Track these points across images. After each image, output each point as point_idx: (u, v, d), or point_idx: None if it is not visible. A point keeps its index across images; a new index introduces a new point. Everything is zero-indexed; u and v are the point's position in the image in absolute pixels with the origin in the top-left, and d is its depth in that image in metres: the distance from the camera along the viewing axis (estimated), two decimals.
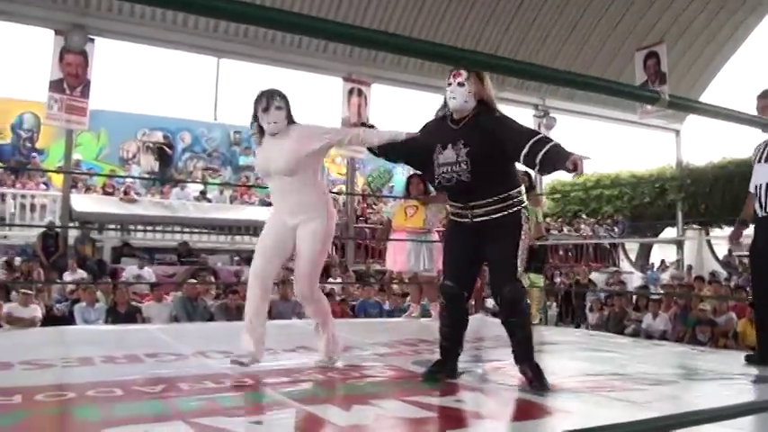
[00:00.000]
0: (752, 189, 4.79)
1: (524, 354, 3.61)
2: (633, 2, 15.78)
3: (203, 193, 16.62)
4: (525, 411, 3.13)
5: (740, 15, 17.18)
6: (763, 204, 4.64)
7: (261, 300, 4.00)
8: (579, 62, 16.56)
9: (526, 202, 3.80)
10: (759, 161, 4.77)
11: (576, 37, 16.27)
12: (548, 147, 3.47)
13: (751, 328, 9.33)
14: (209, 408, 2.89)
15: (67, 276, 10.61)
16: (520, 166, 3.78)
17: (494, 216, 3.68)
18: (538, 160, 3.46)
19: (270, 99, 3.97)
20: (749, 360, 4.65)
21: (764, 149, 4.75)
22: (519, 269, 3.66)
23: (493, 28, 15.36)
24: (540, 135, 3.66)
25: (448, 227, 4.11)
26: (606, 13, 16.01)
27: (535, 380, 3.48)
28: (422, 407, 2.97)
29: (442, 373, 3.74)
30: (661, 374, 4.06)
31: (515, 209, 3.69)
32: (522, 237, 3.67)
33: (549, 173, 3.73)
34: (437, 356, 3.90)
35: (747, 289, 12.11)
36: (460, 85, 3.69)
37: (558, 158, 3.43)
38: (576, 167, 3.36)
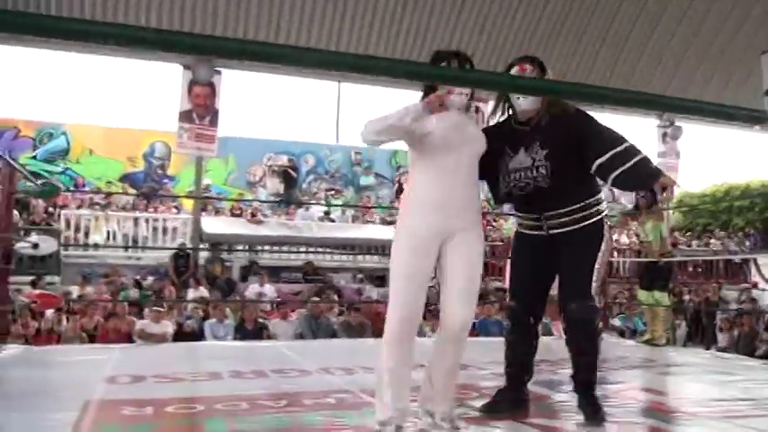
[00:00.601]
0: None
1: (586, 382, 3.29)
2: (754, 6, 15.05)
3: (327, 213, 16.96)
4: None
5: None
6: None
7: (411, 350, 3.12)
8: (703, 68, 15.96)
9: (608, 211, 3.43)
10: None
11: (698, 42, 15.69)
12: (635, 160, 3.07)
13: None
14: (330, 423, 2.95)
15: (191, 294, 11.05)
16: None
17: (573, 227, 3.27)
18: (616, 174, 3.09)
19: (464, 65, 3.15)
20: None
21: None
22: (595, 284, 3.24)
23: (607, 50, 15.00)
24: (627, 144, 3.17)
25: (516, 240, 3.66)
26: (726, 21, 15.37)
27: (592, 414, 3.17)
28: (538, 428, 2.94)
29: (504, 403, 3.39)
30: None
31: (596, 218, 3.29)
32: (603, 249, 3.28)
33: (626, 190, 3.41)
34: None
35: None
36: None
37: (645, 176, 3.10)
38: (665, 190, 3.05)
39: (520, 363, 3.50)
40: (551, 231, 3.32)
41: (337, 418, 3.09)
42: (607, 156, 3.12)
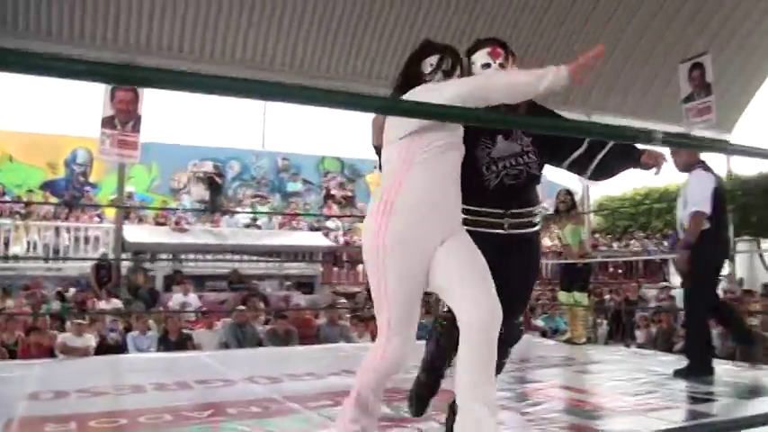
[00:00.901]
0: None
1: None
2: (676, 15, 15.66)
3: (254, 220, 16.89)
4: None
5: None
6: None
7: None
8: (623, 78, 16.49)
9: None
10: None
11: (619, 53, 16.19)
12: (610, 145, 2.96)
13: None
14: None
15: (104, 305, 10.72)
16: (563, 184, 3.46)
17: (528, 230, 3.07)
18: (598, 160, 2.98)
19: (456, 64, 2.91)
20: (677, 374, 4.68)
21: None
22: None
23: (531, 57, 15.37)
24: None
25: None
26: (648, 28, 15.91)
27: None
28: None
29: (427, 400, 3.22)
30: (697, 391, 4.06)
31: (539, 227, 3.15)
32: None
33: (609, 176, 3.11)
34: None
35: None
36: (502, 66, 3.02)
37: (628, 154, 2.95)
38: (656, 162, 2.91)
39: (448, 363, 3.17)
40: (511, 231, 3.03)
41: (262, 427, 3.12)
42: (584, 146, 3.02)
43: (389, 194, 2.61)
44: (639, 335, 11.98)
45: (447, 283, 2.58)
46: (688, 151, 4.82)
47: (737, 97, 18.10)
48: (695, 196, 4.82)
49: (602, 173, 3.07)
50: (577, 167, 3.10)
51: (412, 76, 2.83)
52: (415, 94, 2.66)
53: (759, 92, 18.96)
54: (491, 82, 2.62)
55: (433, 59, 2.83)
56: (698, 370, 4.64)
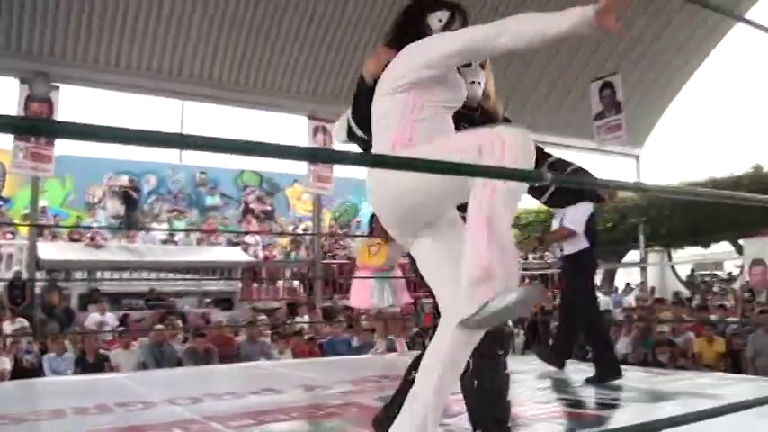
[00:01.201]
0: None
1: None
2: (586, 37, 16.18)
3: (171, 235, 16.70)
4: None
5: (692, 44, 17.74)
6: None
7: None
8: (536, 95, 17.00)
9: None
10: None
11: (533, 71, 16.67)
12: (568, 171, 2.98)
13: (707, 346, 9.65)
14: None
15: (6, 326, 10.40)
16: None
17: None
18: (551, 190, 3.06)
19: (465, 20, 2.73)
20: (589, 381, 4.96)
21: None
22: None
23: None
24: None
25: None
26: (561, 47, 16.44)
27: None
28: None
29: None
30: (606, 398, 4.26)
31: None
32: None
33: (565, 205, 3.21)
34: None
35: (706, 306, 12.49)
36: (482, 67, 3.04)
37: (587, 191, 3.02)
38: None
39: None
40: None
41: None
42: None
43: (398, 151, 2.35)
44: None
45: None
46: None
47: (647, 115, 18.87)
48: (573, 217, 5.23)
49: (556, 202, 3.20)
50: (535, 192, 3.25)
51: (413, 29, 2.56)
52: (420, 46, 2.43)
53: (669, 109, 19.80)
54: (506, 26, 2.26)
55: (443, 15, 2.59)
56: (607, 376, 4.91)
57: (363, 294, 7.42)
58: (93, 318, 11.61)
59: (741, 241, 19.41)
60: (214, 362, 8.39)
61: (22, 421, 3.95)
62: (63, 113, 12.21)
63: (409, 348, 8.06)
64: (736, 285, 18.52)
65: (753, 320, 10.21)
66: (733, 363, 9.49)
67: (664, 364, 8.89)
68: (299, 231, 19.44)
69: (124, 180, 20.30)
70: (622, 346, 10.47)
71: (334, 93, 14.85)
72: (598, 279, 23.20)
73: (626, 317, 12.52)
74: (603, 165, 21.68)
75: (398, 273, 7.63)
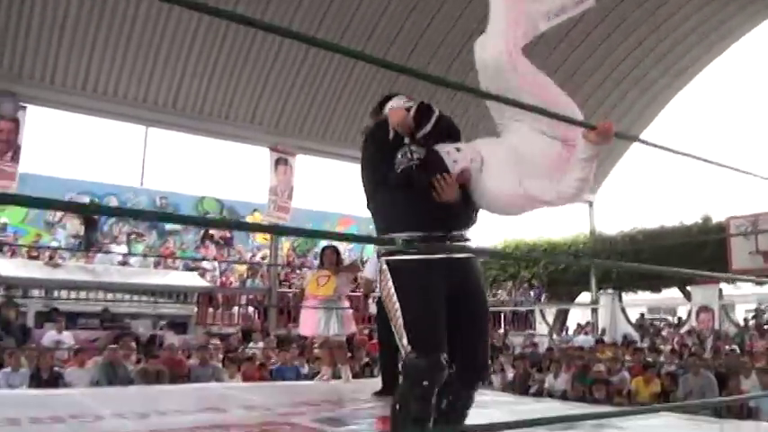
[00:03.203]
0: None
1: None
2: (568, 56, 16.51)
3: (126, 257, 16.84)
4: None
5: (647, 97, 18.40)
6: None
7: None
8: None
9: None
10: None
11: (485, 111, 17.15)
12: None
13: (644, 386, 10.13)
14: None
15: None
16: None
17: (470, 256, 3.21)
18: None
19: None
20: (378, 394, 5.81)
21: None
22: None
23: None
24: None
25: (412, 266, 3.04)
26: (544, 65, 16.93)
27: None
28: None
29: None
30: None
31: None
32: None
33: None
34: (335, 414, 4.37)
35: (644, 349, 13.01)
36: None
37: None
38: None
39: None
40: (458, 256, 3.13)
41: None
42: None
43: None
44: (495, 379, 12.71)
45: None
46: None
47: (601, 163, 19.42)
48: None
49: None
50: None
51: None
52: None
53: (623, 157, 20.46)
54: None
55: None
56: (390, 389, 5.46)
57: (311, 322, 7.76)
58: (50, 336, 11.78)
59: (689, 288, 20.07)
60: (165, 383, 8.64)
61: None
62: (29, 133, 12.44)
63: (355, 377, 8.42)
64: (683, 330, 19.10)
65: (684, 364, 10.74)
66: (666, 401, 9.96)
67: (599, 401, 9.32)
68: (257, 259, 19.69)
69: (85, 200, 20.42)
70: (562, 382, 10.92)
71: (297, 126, 15.24)
72: (551, 318, 23.82)
73: (566, 355, 12.94)
74: (557, 209, 22.26)
75: (345, 303, 7.99)
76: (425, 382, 2.87)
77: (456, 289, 3.08)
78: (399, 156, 3.19)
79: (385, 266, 3.06)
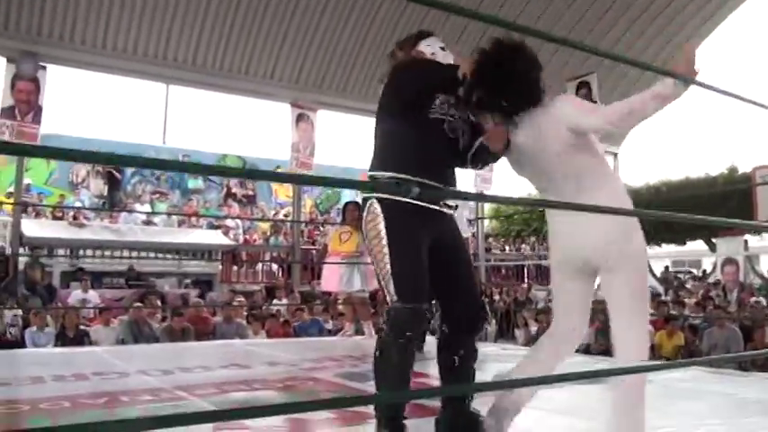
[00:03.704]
0: None
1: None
2: (568, 35, 16.44)
3: (150, 216, 16.92)
4: None
5: (668, 50, 18.05)
6: None
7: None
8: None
9: None
10: None
11: None
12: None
13: (667, 339, 10.05)
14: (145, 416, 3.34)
15: None
16: None
17: (452, 211, 3.12)
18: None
19: None
20: None
21: None
22: None
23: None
24: None
25: (403, 213, 2.91)
26: (542, 47, 16.72)
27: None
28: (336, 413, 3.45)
29: None
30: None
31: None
32: None
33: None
34: (358, 369, 4.35)
35: (667, 302, 12.92)
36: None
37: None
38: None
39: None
40: (445, 209, 3.07)
41: (151, 412, 3.47)
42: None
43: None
44: (518, 334, 12.72)
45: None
46: None
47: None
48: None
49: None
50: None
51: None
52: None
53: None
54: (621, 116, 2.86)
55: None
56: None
57: (333, 279, 7.73)
58: (75, 295, 11.89)
59: (714, 240, 19.86)
60: (190, 340, 8.71)
61: (3, 385, 4.25)
62: (50, 93, 12.41)
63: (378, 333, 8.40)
64: (708, 282, 18.96)
65: (708, 316, 10.64)
66: (690, 355, 9.88)
67: None
68: (280, 217, 19.72)
69: None
70: (585, 336, 10.84)
71: (318, 81, 15.10)
72: None
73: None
74: None
75: (368, 259, 7.93)
76: (409, 333, 2.85)
77: (439, 240, 3.04)
78: (438, 102, 3.05)
79: (377, 207, 2.96)
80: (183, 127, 23.12)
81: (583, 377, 2.72)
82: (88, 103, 27.98)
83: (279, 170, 21.57)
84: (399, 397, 2.95)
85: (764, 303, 12.94)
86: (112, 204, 19.71)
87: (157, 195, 20.77)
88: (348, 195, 22.04)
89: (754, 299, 13.20)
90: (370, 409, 3.16)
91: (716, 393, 3.54)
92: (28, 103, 11.77)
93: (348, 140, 21.42)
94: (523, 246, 22.15)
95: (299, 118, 14.82)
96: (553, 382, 2.49)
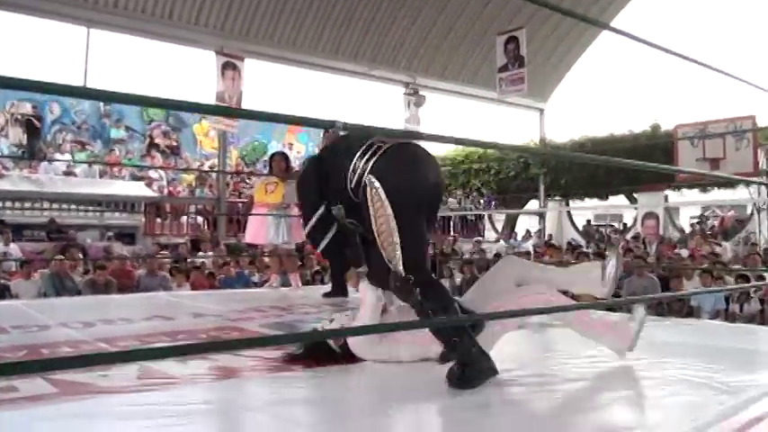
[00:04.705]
0: None
1: None
2: None
3: (73, 167, 16.51)
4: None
5: (599, 5, 18.27)
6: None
7: None
8: (446, 45, 17.35)
9: None
10: None
11: (443, 21, 16.96)
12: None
13: None
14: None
15: None
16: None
17: None
18: None
19: None
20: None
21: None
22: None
23: (353, 31, 15.87)
24: None
25: (405, 191, 3.08)
26: (468, 4, 16.76)
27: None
28: (254, 358, 3.48)
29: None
30: None
31: None
32: None
33: None
34: (284, 320, 4.46)
35: (589, 253, 13.30)
36: None
37: None
38: None
39: None
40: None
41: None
42: None
43: None
44: (445, 284, 12.90)
45: None
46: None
47: (553, 70, 19.43)
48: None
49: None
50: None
51: None
52: None
53: (575, 65, 20.46)
54: None
55: None
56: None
57: (260, 231, 7.71)
58: None
59: (636, 194, 20.42)
60: (113, 293, 8.61)
61: None
62: None
63: (306, 285, 8.45)
64: (629, 236, 19.52)
65: (628, 266, 10.99)
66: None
67: None
68: (205, 168, 19.48)
69: (27, 107, 19.86)
70: None
71: (244, 29, 14.84)
72: (500, 225, 24.18)
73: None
74: (509, 116, 22.32)
75: (294, 211, 7.92)
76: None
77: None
78: None
79: (378, 185, 3.00)
80: (106, 74, 22.43)
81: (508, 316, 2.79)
82: (8, 46, 26.83)
83: (203, 121, 21.33)
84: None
85: (684, 255, 13.43)
86: (32, 154, 19.14)
87: (78, 145, 20.23)
88: (274, 147, 21.92)
89: (675, 251, 13.70)
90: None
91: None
92: None
93: (275, 91, 21.09)
94: (450, 199, 22.40)
95: (226, 66, 14.56)
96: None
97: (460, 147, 23.65)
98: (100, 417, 2.61)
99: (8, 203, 14.03)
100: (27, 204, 14.14)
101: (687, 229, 20.57)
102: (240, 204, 16.57)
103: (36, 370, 2.35)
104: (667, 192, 19.18)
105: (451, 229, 21.03)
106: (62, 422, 2.51)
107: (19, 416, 2.54)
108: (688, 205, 23.40)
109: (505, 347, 3.28)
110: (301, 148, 24.18)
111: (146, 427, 2.40)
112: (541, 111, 21.60)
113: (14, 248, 11.80)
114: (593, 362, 3.37)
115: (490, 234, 23.22)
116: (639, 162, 3.33)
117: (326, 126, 2.02)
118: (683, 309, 9.66)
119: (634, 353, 3.35)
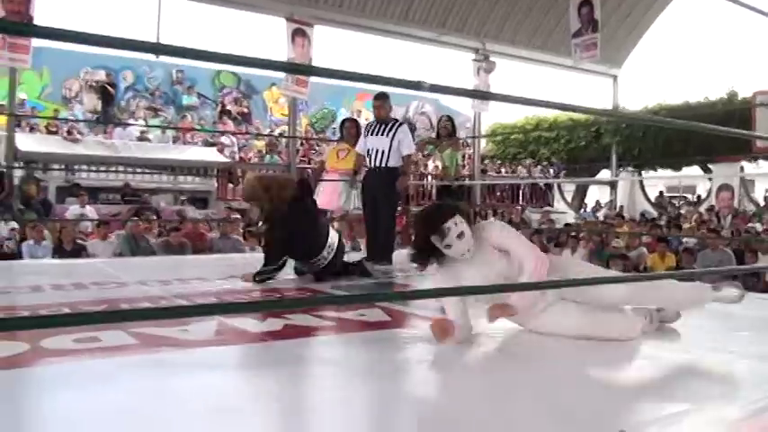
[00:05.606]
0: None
1: None
2: None
3: (143, 132, 16.77)
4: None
5: None
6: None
7: None
8: (517, 9, 17.04)
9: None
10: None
11: None
12: None
13: (659, 260, 10.15)
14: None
15: None
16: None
17: None
18: None
19: None
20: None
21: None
22: None
23: None
24: None
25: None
26: None
27: None
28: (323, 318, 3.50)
29: None
30: None
31: None
32: None
33: None
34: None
35: (662, 225, 13.00)
36: None
37: None
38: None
39: None
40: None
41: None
42: None
43: None
44: None
45: None
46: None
47: (627, 36, 18.91)
48: (410, 143, 6.04)
49: None
50: None
51: None
52: None
53: (648, 32, 19.88)
54: None
55: None
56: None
57: (331, 196, 7.71)
58: (73, 210, 11.89)
59: (711, 165, 19.84)
60: (187, 255, 8.74)
61: (1, 293, 4.28)
62: (41, 4, 12.15)
63: None
64: (703, 208, 18.99)
65: (702, 239, 10.72)
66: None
67: None
68: (276, 134, 19.60)
69: (101, 74, 20.27)
70: (579, 257, 10.94)
71: None
72: (569, 196, 23.77)
73: (586, 230, 12.93)
74: (581, 83, 21.85)
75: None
76: None
77: None
78: None
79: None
80: (178, 42, 22.72)
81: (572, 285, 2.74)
82: (82, 15, 27.38)
83: (273, 87, 21.46)
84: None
85: (759, 229, 13.02)
86: (107, 120, 19.55)
87: (151, 111, 20.58)
88: (343, 114, 21.94)
89: (747, 225, 13.29)
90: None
91: (708, 309, 3.60)
92: (19, 14, 11.51)
93: (345, 58, 21.04)
94: (519, 168, 22.13)
95: (296, 33, 14.53)
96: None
97: (531, 114, 23.33)
98: (180, 367, 2.64)
99: (84, 167, 14.34)
100: (102, 168, 14.44)
101: (762, 203, 19.91)
102: (309, 171, 16.63)
103: (118, 320, 2.38)
104: (743, 163, 18.59)
105: (520, 197, 20.77)
106: (144, 371, 2.56)
107: (102, 364, 2.59)
108: (765, 177, 22.64)
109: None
110: (369, 115, 24.14)
111: (222, 378, 2.43)
112: (615, 77, 21.02)
113: (90, 210, 12.08)
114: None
115: (559, 205, 22.86)
116: (715, 126, 3.21)
117: (413, 86, 2.01)
118: (758, 284, 9.37)
119: (709, 326, 3.28)
